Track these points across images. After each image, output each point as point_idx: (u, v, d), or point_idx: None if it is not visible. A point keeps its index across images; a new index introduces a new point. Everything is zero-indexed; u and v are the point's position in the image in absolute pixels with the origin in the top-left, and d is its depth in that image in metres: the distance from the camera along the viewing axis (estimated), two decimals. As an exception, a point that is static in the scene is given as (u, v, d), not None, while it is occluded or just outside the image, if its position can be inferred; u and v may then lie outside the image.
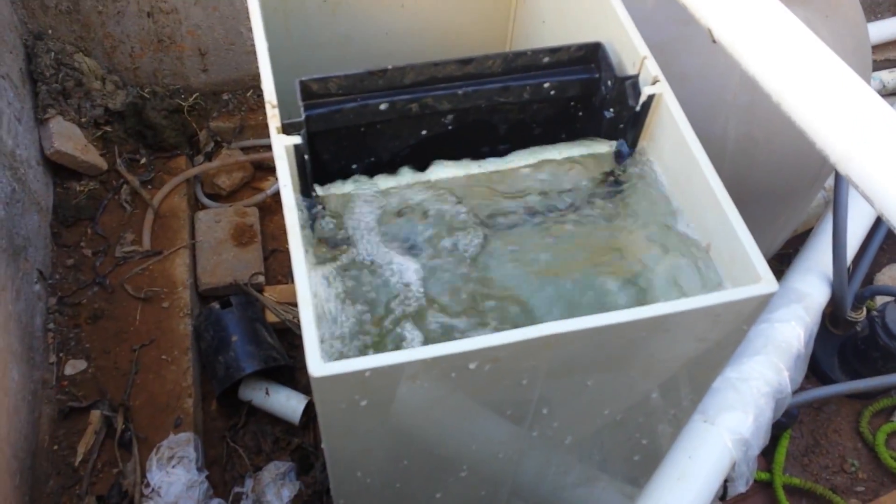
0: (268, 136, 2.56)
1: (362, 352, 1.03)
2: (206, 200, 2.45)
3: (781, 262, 2.35)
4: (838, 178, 1.98)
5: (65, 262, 2.16)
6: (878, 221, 2.29)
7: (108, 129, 2.38)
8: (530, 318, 1.10)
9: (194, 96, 2.52)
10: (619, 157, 1.21)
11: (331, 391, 0.90)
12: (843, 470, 2.17)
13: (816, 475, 2.16)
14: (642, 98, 1.13)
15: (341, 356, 1.01)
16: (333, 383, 0.87)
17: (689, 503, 1.62)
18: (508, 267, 1.15)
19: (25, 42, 2.25)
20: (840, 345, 2.29)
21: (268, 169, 2.55)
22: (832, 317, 2.27)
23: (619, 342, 0.96)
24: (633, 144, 1.19)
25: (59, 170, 2.27)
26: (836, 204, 1.95)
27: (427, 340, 1.05)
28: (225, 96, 2.62)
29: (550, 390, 1.03)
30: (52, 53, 2.29)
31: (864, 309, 2.22)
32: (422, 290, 1.09)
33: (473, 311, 1.10)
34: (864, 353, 2.20)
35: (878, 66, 2.83)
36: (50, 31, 2.31)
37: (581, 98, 1.23)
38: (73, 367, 1.98)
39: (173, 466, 1.84)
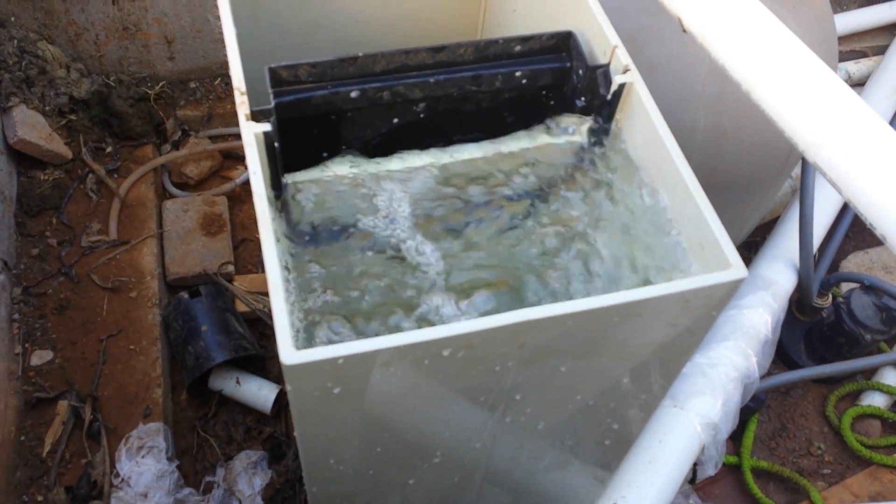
0: (236, 124, 2.53)
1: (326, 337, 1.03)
2: (173, 189, 2.42)
3: (749, 249, 2.38)
4: (805, 166, 2.01)
5: (30, 251, 2.12)
6: (844, 209, 2.33)
7: (72, 117, 2.34)
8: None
9: (161, 84, 2.48)
10: (590, 142, 1.21)
11: (303, 379, 0.90)
12: (809, 453, 2.22)
13: (784, 458, 2.20)
14: (613, 87, 1.14)
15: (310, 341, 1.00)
16: (306, 371, 0.87)
17: (659, 486, 1.64)
18: (469, 259, 1.15)
19: (-14, 28, 2.21)
20: (806, 331, 2.33)
21: (236, 158, 2.53)
22: (799, 303, 2.31)
23: (592, 328, 0.97)
24: (603, 134, 1.20)
25: (23, 159, 2.23)
26: (803, 192, 1.98)
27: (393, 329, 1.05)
28: (192, 84, 2.59)
29: (523, 377, 1.03)
30: (15, 41, 2.24)
31: (830, 295, 2.26)
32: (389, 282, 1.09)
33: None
34: (830, 339, 2.24)
35: (844, 56, 2.87)
36: (13, 19, 2.26)
37: (553, 87, 1.23)
38: (40, 357, 1.95)
39: (143, 456, 1.82)
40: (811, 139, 0.91)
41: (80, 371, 1.94)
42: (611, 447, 1.38)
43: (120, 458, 1.81)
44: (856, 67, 2.78)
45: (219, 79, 2.60)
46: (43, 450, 1.80)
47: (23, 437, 1.82)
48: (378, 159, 1.18)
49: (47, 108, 2.28)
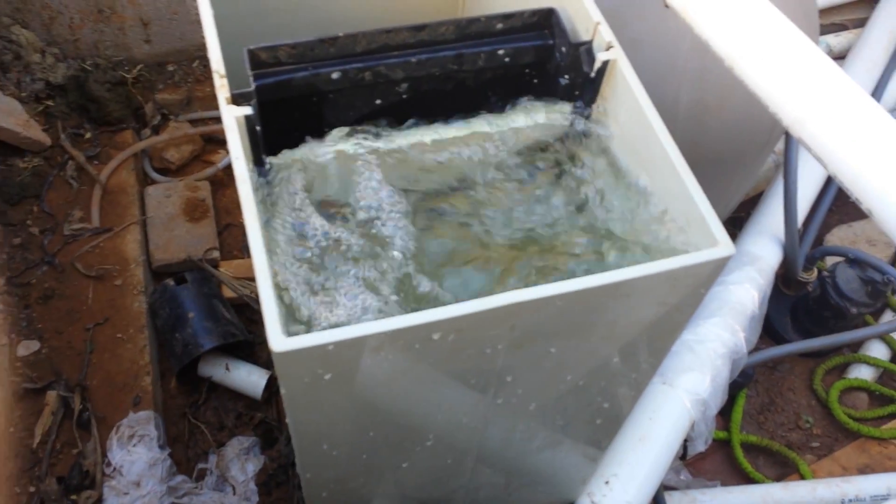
0: (216, 107, 2.51)
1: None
2: (155, 175, 2.39)
3: (734, 225, 2.38)
4: (788, 141, 2.02)
5: (11, 241, 2.09)
6: (827, 183, 2.34)
7: (49, 103, 2.30)
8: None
9: (138, 68, 2.45)
10: (575, 121, 1.20)
11: (293, 366, 0.89)
12: (798, 427, 2.24)
13: (772, 432, 2.22)
14: (597, 64, 1.13)
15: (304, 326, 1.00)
16: (296, 358, 0.86)
17: (650, 463, 1.66)
18: (447, 240, 1.15)
19: (-41, 14, 2.16)
20: (792, 305, 2.35)
21: (218, 142, 2.50)
22: (784, 278, 2.32)
23: (581, 308, 0.97)
24: (587, 111, 1.19)
25: (1, 146, 2.19)
26: (787, 167, 1.99)
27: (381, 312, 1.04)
28: (170, 67, 2.55)
29: (514, 358, 1.03)
30: (-12, 26, 2.20)
31: (815, 270, 2.28)
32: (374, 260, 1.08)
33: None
34: (816, 313, 2.25)
35: (825, 30, 2.87)
36: (-15, 3, 2.22)
37: (536, 65, 1.22)
38: (26, 347, 1.93)
39: (134, 445, 1.82)
40: (795, 114, 0.91)
41: (67, 361, 1.93)
42: (602, 426, 1.38)
43: (111, 447, 1.80)
44: (836, 41, 2.78)
45: (197, 61, 2.57)
46: (33, 441, 1.79)
47: (12, 429, 1.80)
48: (363, 136, 1.17)
49: (23, 94, 2.24)
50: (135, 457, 1.80)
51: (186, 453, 1.96)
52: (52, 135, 2.27)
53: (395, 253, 1.07)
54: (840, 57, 2.72)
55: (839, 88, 0.89)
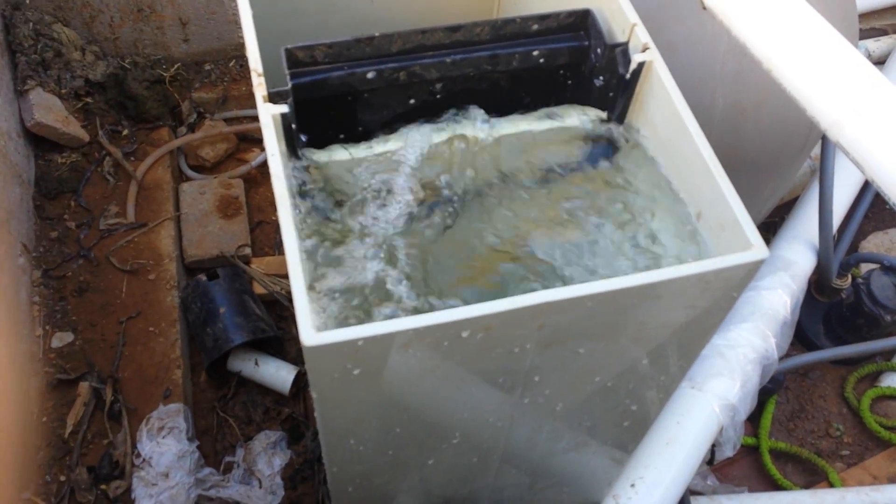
0: (251, 106, 2.55)
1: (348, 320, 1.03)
2: (190, 172, 2.42)
3: (768, 230, 2.36)
4: (825, 146, 1.99)
5: (48, 234, 2.14)
6: (864, 189, 2.31)
7: (88, 100, 2.34)
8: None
9: (176, 67, 2.48)
10: (607, 125, 1.20)
11: (323, 361, 0.90)
12: (828, 434, 2.21)
13: (802, 439, 2.19)
14: (632, 66, 1.12)
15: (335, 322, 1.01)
16: (326, 353, 0.87)
17: (677, 467, 1.64)
18: (489, 238, 1.15)
19: (3, 12, 2.21)
20: (825, 312, 2.31)
21: (252, 140, 2.53)
22: (818, 284, 2.29)
23: (611, 310, 0.96)
24: (622, 113, 1.19)
25: (41, 142, 2.24)
26: (823, 172, 1.96)
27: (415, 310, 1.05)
28: (207, 66, 2.58)
29: (542, 358, 1.03)
30: (31, 24, 2.24)
31: (850, 276, 2.24)
32: (408, 261, 1.09)
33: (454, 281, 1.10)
34: (849, 320, 2.22)
35: (864, 34, 2.83)
36: (28, 1, 2.26)
37: (570, 66, 1.22)
38: (60, 339, 1.97)
39: (164, 437, 1.84)
40: (833, 117, 0.90)
41: (100, 353, 1.96)
42: (629, 428, 1.38)
43: (141, 438, 1.83)
44: (876, 45, 2.74)
45: (233, 60, 2.60)
46: (65, 431, 1.82)
47: (45, 419, 1.84)
48: (393, 137, 1.17)
49: (63, 91, 2.29)
50: (164, 448, 1.82)
51: (214, 446, 1.98)
52: (90, 131, 2.31)
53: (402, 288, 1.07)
54: (879, 62, 2.68)
55: (878, 92, 0.88)
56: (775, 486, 2.07)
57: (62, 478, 1.77)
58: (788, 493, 1.97)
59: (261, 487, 1.90)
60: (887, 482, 2.09)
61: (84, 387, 1.89)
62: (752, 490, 2.04)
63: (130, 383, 1.93)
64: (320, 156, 1.14)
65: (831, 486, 2.06)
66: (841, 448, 2.18)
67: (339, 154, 1.15)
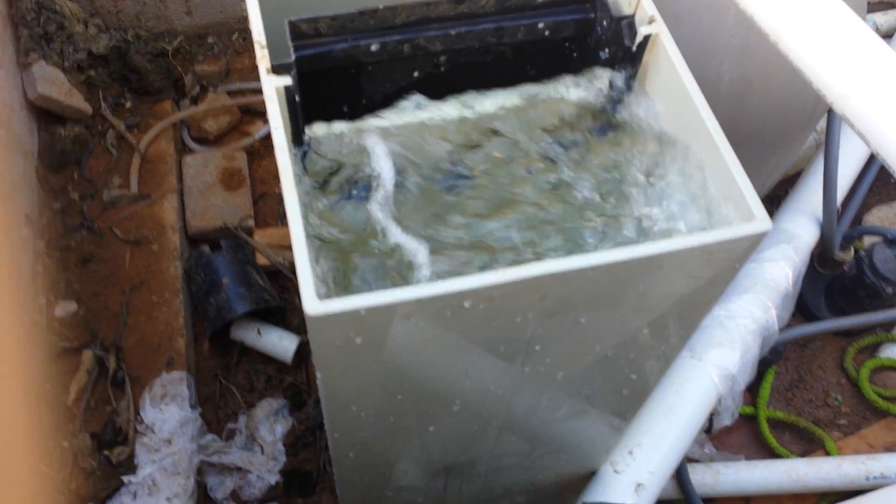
0: (254, 79, 2.54)
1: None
2: (193, 144, 2.42)
3: (772, 203, 2.36)
4: (831, 119, 1.98)
5: (52, 206, 2.14)
6: (868, 163, 2.30)
7: (91, 73, 2.33)
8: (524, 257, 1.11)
9: (178, 39, 2.47)
10: (612, 98, 1.20)
11: (326, 329, 0.91)
12: (826, 404, 2.23)
13: (800, 409, 2.21)
14: (638, 38, 1.12)
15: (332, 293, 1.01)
16: (329, 322, 0.88)
17: (675, 435, 1.66)
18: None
19: (5, -17, 2.19)
20: (827, 284, 2.32)
21: (255, 113, 2.52)
22: (820, 257, 2.29)
23: (613, 280, 0.97)
24: (628, 86, 1.18)
25: (44, 114, 2.24)
26: (828, 145, 1.96)
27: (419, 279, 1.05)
28: (210, 39, 2.57)
29: (543, 328, 1.04)
30: (33, -5, 2.23)
31: (852, 249, 2.25)
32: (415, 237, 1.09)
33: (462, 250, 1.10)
34: (851, 292, 2.23)
35: (872, 8, 2.81)
36: (30, -28, 2.24)
37: (576, 38, 1.21)
38: (64, 308, 1.98)
39: (166, 404, 1.86)
40: (840, 90, 0.90)
41: (103, 322, 1.98)
42: (628, 397, 1.39)
43: (144, 405, 1.85)
44: (884, 19, 2.71)
45: (236, 33, 2.58)
46: (68, 398, 1.84)
47: (48, 386, 1.86)
48: (400, 109, 1.17)
49: (66, 63, 2.28)
50: (167, 415, 1.84)
51: (217, 413, 2.01)
52: (93, 104, 2.31)
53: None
54: (887, 35, 2.66)
55: (885, 65, 0.88)
56: (772, 455, 2.10)
57: (66, 444, 1.79)
58: (785, 461, 1.99)
59: (263, 454, 1.92)
60: (884, 451, 2.11)
61: (87, 355, 1.90)
62: (748, 458, 2.06)
63: (134, 352, 1.94)
64: (324, 128, 1.14)
65: (828, 454, 2.09)
66: (839, 417, 2.20)
67: (341, 126, 1.15)
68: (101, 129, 2.29)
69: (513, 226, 1.15)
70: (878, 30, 2.68)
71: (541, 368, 1.16)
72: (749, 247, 0.98)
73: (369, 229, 1.09)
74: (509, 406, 1.27)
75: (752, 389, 2.17)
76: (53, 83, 2.21)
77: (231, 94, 2.52)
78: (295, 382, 2.07)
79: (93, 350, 1.91)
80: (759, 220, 0.95)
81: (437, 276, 1.05)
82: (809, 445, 2.15)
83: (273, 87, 1.03)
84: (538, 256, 1.12)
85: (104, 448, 1.81)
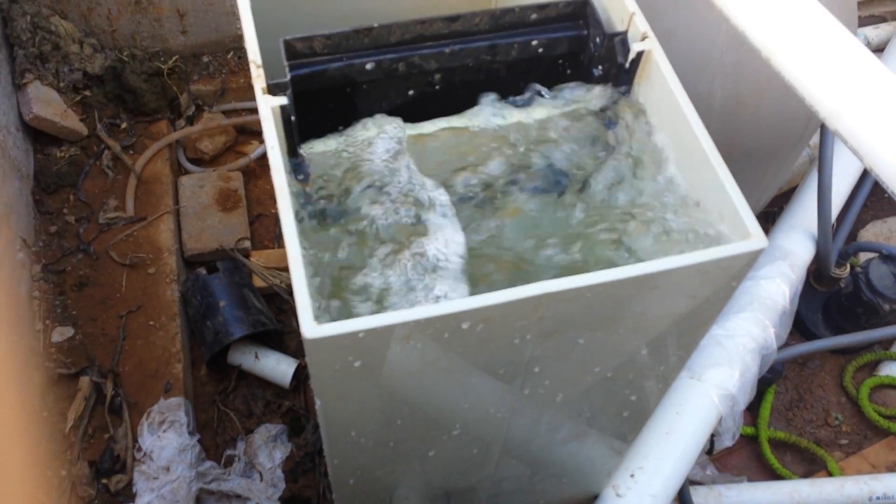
0: (250, 99, 2.54)
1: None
2: (188, 165, 2.42)
3: (766, 219, 2.36)
4: (824, 135, 1.99)
5: (48, 229, 2.13)
6: (862, 178, 2.31)
7: (87, 93, 2.34)
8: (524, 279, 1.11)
9: (174, 59, 2.48)
10: (607, 121, 1.20)
11: (324, 353, 0.90)
12: (826, 423, 2.21)
13: (801, 429, 2.20)
14: (631, 55, 1.12)
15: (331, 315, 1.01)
16: (326, 345, 0.87)
17: (676, 457, 1.65)
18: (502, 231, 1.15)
19: (0, 5, 2.20)
20: (824, 301, 2.32)
21: (251, 133, 2.52)
22: (816, 274, 2.29)
23: (611, 300, 0.97)
24: (621, 102, 1.19)
25: (39, 136, 2.24)
26: (822, 161, 1.96)
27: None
28: (205, 59, 2.58)
29: (542, 349, 1.03)
30: (28, 17, 2.24)
31: (848, 265, 2.25)
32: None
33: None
34: (848, 310, 2.22)
35: (863, 22, 2.83)
36: (25, -6, 2.25)
37: (569, 55, 1.22)
38: (61, 333, 1.97)
39: (164, 431, 1.85)
40: (832, 106, 0.90)
41: (100, 347, 1.96)
42: (628, 419, 1.38)
43: (142, 432, 1.84)
44: (875, 33, 2.73)
45: (231, 52, 2.59)
46: (66, 425, 1.83)
47: (45, 413, 1.84)
48: (394, 124, 1.17)
49: (62, 84, 2.28)
50: (165, 442, 1.83)
51: (215, 440, 1.99)
52: (88, 125, 2.31)
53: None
54: (878, 49, 2.68)
55: (877, 80, 0.88)
56: (774, 476, 2.08)
57: (63, 472, 1.78)
58: (787, 483, 1.97)
59: (262, 480, 1.90)
60: (886, 471, 2.10)
61: (84, 381, 1.89)
62: (751, 479, 2.05)
63: (131, 377, 1.93)
64: (320, 145, 1.14)
65: (830, 474, 2.07)
66: (839, 437, 2.19)
67: (333, 144, 1.15)
68: (96, 150, 2.29)
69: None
70: (869, 43, 2.70)
71: (540, 390, 1.16)
72: (745, 264, 0.97)
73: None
74: (509, 429, 1.26)
75: (752, 409, 2.16)
76: (49, 104, 2.21)
77: (226, 113, 2.52)
78: (293, 407, 2.05)
79: (90, 376, 1.90)
80: (755, 237, 0.95)
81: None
82: (811, 466, 2.13)
83: (269, 107, 1.03)
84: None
85: (102, 476, 1.79)
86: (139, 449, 1.82)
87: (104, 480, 1.79)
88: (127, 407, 1.88)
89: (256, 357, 2.05)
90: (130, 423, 1.86)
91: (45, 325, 1.97)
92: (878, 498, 1.92)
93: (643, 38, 1.11)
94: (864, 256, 2.36)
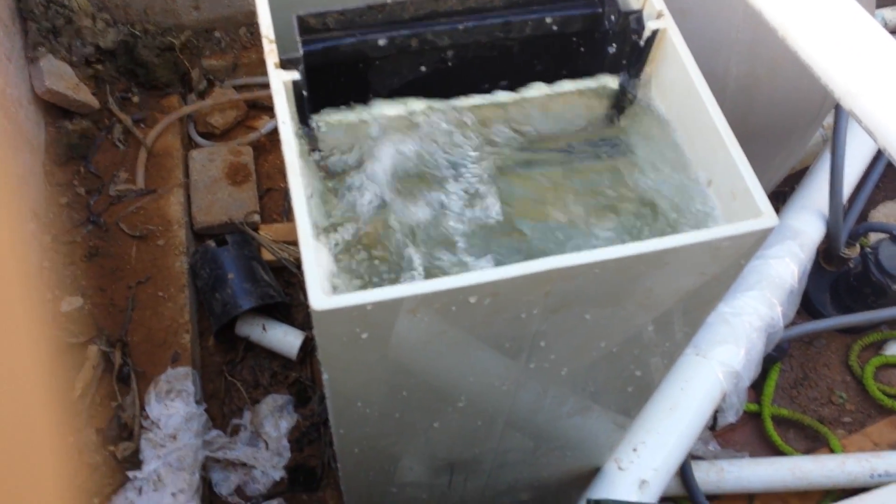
0: (261, 74, 2.54)
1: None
2: (199, 139, 2.42)
3: (778, 199, 2.36)
4: (838, 116, 1.98)
5: (58, 200, 2.14)
6: (875, 159, 2.29)
7: (99, 67, 2.34)
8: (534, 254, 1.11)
9: (186, 34, 2.47)
10: (621, 93, 1.20)
11: (332, 324, 0.91)
12: (830, 402, 2.22)
13: (805, 407, 2.21)
14: (646, 33, 1.11)
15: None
16: (335, 316, 0.88)
17: (679, 432, 1.66)
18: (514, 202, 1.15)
19: (12, -23, 2.20)
20: (832, 282, 2.32)
21: (261, 108, 2.52)
22: (826, 253, 2.29)
23: (619, 276, 0.97)
24: (635, 81, 1.18)
25: (51, 109, 2.24)
26: (835, 142, 1.95)
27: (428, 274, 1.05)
28: (217, 34, 2.57)
29: (548, 324, 1.04)
30: (41, -11, 2.23)
31: (858, 246, 2.24)
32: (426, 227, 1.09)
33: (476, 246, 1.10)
34: (857, 290, 2.22)
35: (881, 3, 2.79)
36: (37, -34, 2.25)
37: (583, 33, 1.21)
38: (69, 303, 1.98)
39: (172, 400, 1.87)
40: (847, 86, 0.90)
41: (109, 317, 1.98)
42: (633, 394, 1.39)
43: (149, 401, 1.86)
44: (892, 14, 2.70)
45: (243, 28, 2.58)
46: (74, 394, 1.85)
47: (53, 382, 1.86)
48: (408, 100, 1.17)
49: (74, 58, 2.28)
50: (172, 411, 1.85)
51: (222, 409, 2.01)
52: (100, 98, 2.31)
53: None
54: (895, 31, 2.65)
55: (892, 60, 0.88)
56: (776, 452, 2.10)
57: (71, 439, 1.80)
58: (789, 459, 1.99)
59: (267, 449, 1.93)
60: (888, 449, 2.11)
61: (93, 350, 1.91)
62: (753, 455, 2.06)
63: (139, 347, 1.95)
64: (332, 116, 1.14)
65: (832, 451, 2.08)
66: (843, 415, 2.20)
67: (348, 116, 1.15)
68: (108, 123, 2.29)
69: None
70: (886, 25, 2.68)
71: (545, 364, 1.16)
72: (755, 243, 0.97)
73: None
74: (514, 402, 1.27)
75: (757, 387, 2.17)
76: (61, 77, 2.21)
77: (238, 88, 2.52)
78: (300, 378, 2.07)
79: (98, 345, 1.92)
80: (766, 216, 0.95)
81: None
82: (814, 443, 2.14)
83: (281, 82, 1.03)
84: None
85: (109, 443, 1.81)
86: (146, 417, 1.84)
87: (111, 447, 1.81)
88: (135, 376, 1.90)
89: (264, 329, 2.06)
90: (138, 391, 1.88)
91: (53, 295, 1.99)
92: (879, 475, 1.93)
93: (659, 17, 1.11)
94: (874, 237, 2.36)
